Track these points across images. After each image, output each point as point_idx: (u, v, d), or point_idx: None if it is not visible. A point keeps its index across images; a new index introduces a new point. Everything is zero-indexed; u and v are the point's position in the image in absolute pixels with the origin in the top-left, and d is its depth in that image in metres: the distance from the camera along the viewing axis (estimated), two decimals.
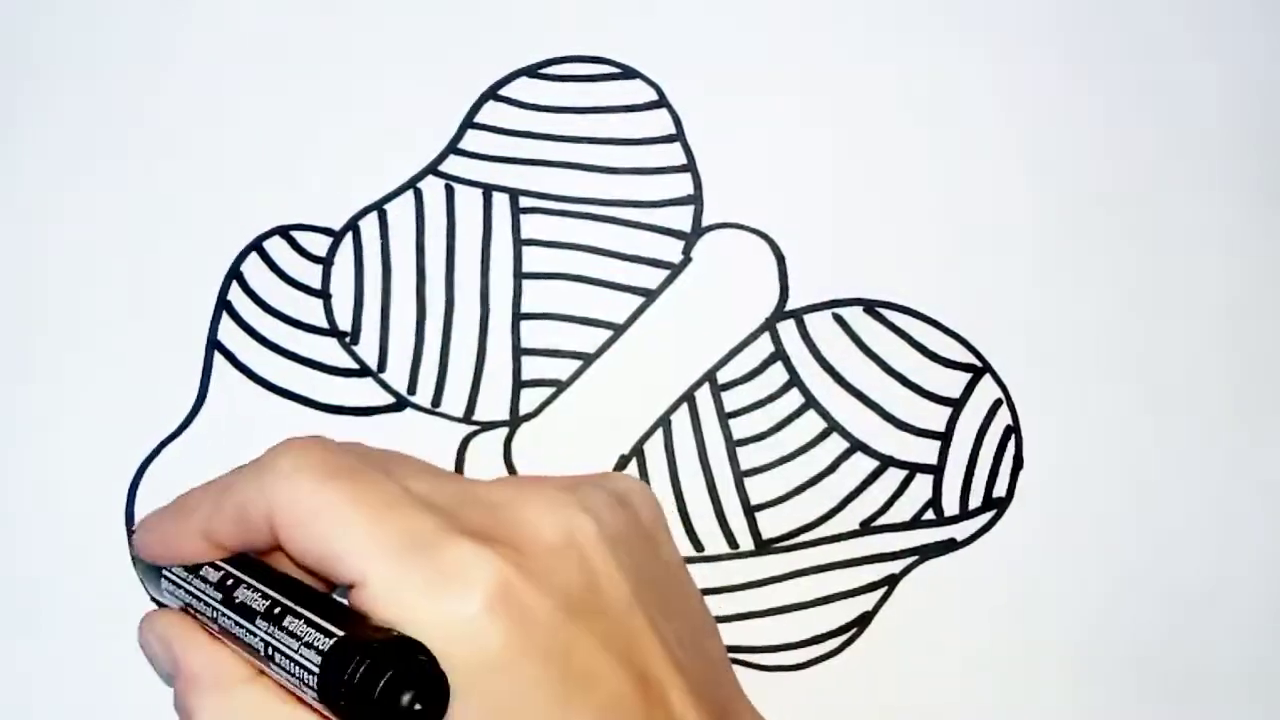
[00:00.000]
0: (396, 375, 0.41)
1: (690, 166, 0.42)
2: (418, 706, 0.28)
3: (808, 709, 0.41)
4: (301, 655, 0.29)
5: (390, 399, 0.41)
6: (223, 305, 0.41)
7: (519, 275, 0.41)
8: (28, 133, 0.41)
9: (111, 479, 0.40)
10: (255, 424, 0.41)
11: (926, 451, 0.42)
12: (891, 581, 0.42)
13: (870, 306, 0.42)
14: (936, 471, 0.42)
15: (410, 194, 0.41)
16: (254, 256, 0.41)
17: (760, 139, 0.42)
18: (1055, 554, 0.42)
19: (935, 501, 0.42)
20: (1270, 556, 0.43)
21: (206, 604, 0.33)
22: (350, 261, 0.41)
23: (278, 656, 0.30)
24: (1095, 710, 0.42)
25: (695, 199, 0.42)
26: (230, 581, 0.33)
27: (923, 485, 0.42)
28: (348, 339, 0.41)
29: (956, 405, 0.42)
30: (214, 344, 0.41)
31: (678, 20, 0.42)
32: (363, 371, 0.41)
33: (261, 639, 0.31)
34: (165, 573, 0.35)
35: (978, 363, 0.42)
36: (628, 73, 0.42)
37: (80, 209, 0.41)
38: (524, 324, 0.41)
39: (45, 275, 0.41)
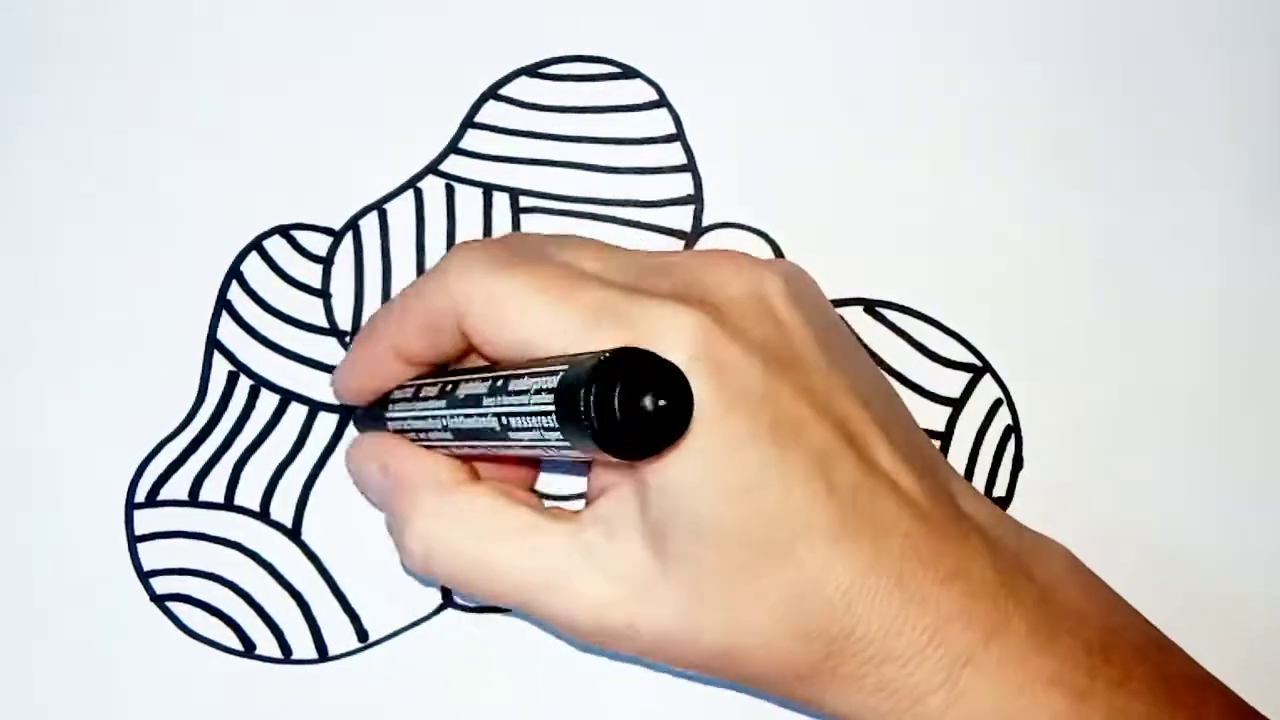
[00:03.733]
0: None
1: (690, 166, 0.42)
2: (662, 402, 0.27)
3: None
4: (534, 404, 0.28)
5: None
6: (223, 304, 0.41)
7: None
8: (28, 132, 0.41)
9: (111, 478, 0.40)
10: (255, 423, 0.41)
11: None
12: None
13: (870, 306, 0.42)
14: None
15: (410, 193, 0.41)
16: (254, 256, 0.41)
17: (760, 139, 0.42)
18: None
19: None
20: (1271, 555, 0.43)
21: (436, 417, 0.33)
22: (350, 261, 0.41)
23: (513, 420, 0.29)
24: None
25: (695, 199, 0.42)
26: (449, 386, 0.32)
27: None
28: (348, 338, 0.41)
29: (956, 405, 0.42)
30: (214, 343, 0.41)
31: (678, 20, 0.42)
32: None
33: (493, 414, 0.30)
34: (390, 415, 0.35)
35: (978, 363, 0.42)
36: (628, 72, 0.42)
37: (80, 208, 0.41)
38: None
39: (45, 275, 0.41)
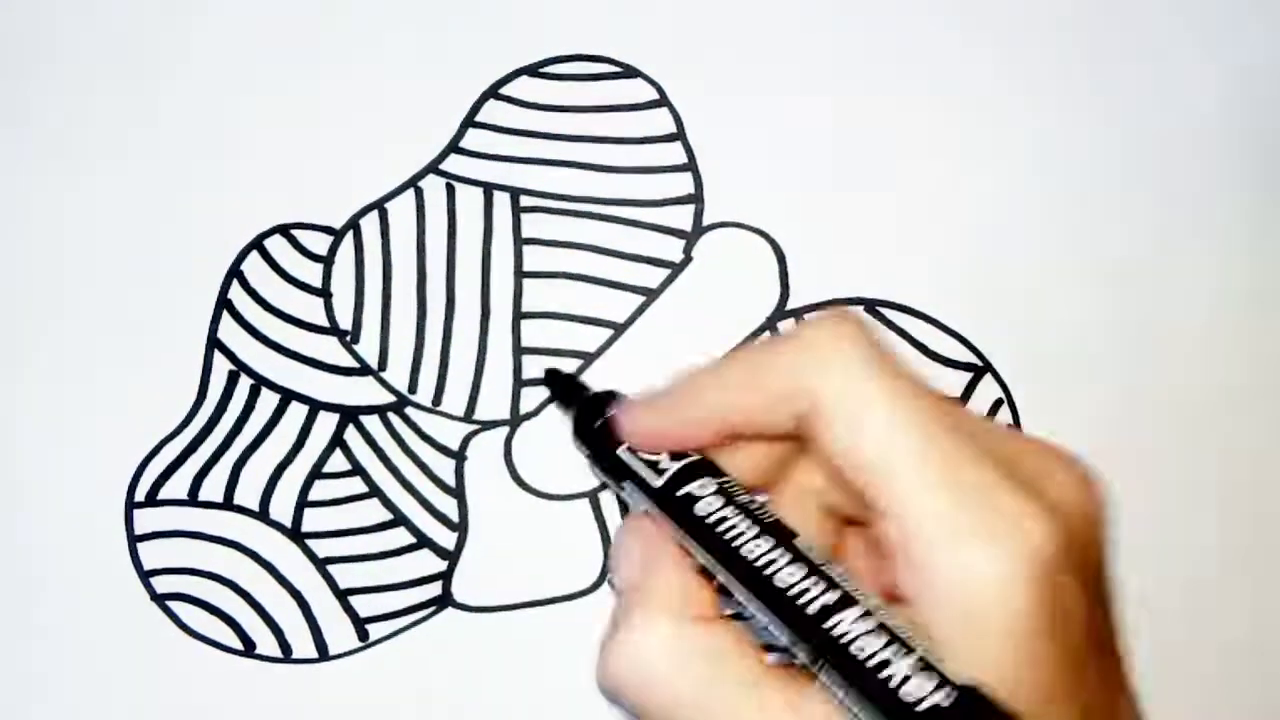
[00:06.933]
0: (397, 374, 0.41)
1: (691, 165, 0.42)
2: None
3: None
4: (851, 697, 0.26)
5: (391, 398, 0.41)
6: (223, 304, 0.41)
7: (520, 274, 0.41)
8: (29, 132, 0.41)
9: (111, 478, 0.40)
10: (255, 423, 0.41)
11: None
12: None
13: (871, 306, 0.42)
14: None
15: (411, 193, 0.41)
16: (255, 255, 0.41)
17: (760, 139, 0.42)
18: None
19: None
20: (1271, 555, 0.43)
21: (727, 586, 0.29)
22: (351, 260, 0.41)
23: (841, 665, 0.27)
24: None
25: (696, 198, 0.42)
26: (751, 572, 0.28)
27: None
28: (348, 338, 0.41)
29: None
30: (214, 343, 0.41)
31: (679, 19, 0.42)
32: (363, 370, 0.41)
33: (820, 641, 0.27)
34: (649, 509, 0.31)
35: (978, 362, 0.42)
36: (629, 71, 0.42)
37: (81, 208, 0.41)
38: (525, 323, 0.41)
39: (46, 275, 0.41)
